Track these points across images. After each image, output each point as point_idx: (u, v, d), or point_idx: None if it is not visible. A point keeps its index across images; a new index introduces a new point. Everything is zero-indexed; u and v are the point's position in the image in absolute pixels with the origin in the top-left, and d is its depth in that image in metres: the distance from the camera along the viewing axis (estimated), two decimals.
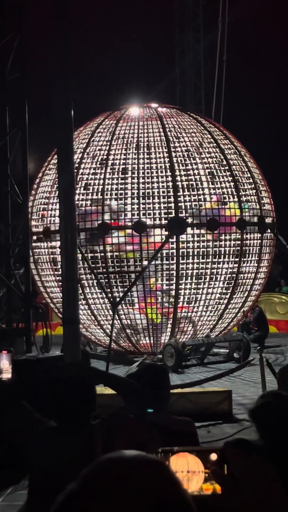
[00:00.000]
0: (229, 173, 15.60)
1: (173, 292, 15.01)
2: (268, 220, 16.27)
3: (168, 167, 15.22)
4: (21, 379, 5.00)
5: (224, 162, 15.67)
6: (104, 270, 14.96)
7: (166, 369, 4.71)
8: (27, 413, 3.40)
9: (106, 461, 1.04)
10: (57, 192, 12.93)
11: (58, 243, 13.31)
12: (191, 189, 15.20)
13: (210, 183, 15.45)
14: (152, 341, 15.42)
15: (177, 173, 15.22)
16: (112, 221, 14.90)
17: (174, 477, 1.05)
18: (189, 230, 14.98)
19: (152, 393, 4.07)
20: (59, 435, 3.28)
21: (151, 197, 15.07)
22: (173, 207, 14.91)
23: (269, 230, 16.24)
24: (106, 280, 14.94)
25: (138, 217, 14.86)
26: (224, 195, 15.39)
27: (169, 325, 15.19)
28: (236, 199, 15.45)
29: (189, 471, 1.34)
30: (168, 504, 0.99)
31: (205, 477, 1.33)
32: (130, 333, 15.39)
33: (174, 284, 14.93)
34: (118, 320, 15.03)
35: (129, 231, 14.91)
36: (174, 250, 14.93)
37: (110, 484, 0.99)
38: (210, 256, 15.20)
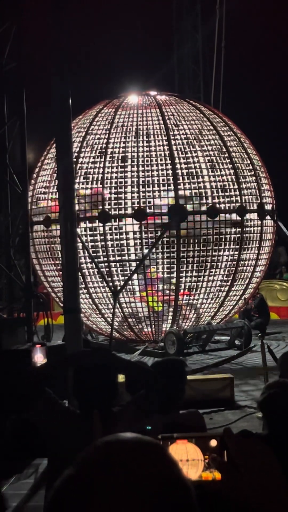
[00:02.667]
0: (229, 160, 15.54)
1: (174, 280, 14.99)
2: (268, 206, 16.22)
3: (167, 155, 15.15)
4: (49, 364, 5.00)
5: (224, 150, 15.60)
6: (105, 258, 14.94)
7: (184, 362, 4.70)
8: (51, 401, 3.42)
9: (103, 445, 1.03)
10: (57, 181, 12.88)
11: (58, 232, 13.27)
12: (191, 177, 15.15)
13: (210, 170, 15.40)
14: (153, 329, 15.41)
15: (177, 161, 15.17)
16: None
17: (173, 459, 1.04)
18: (189, 217, 14.94)
19: (172, 387, 4.06)
20: (81, 422, 3.28)
21: (151, 186, 15.02)
22: (173, 195, 14.87)
23: (269, 217, 16.20)
24: (107, 269, 14.92)
25: (138, 205, 14.83)
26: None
27: (170, 313, 15.18)
28: (236, 186, 15.42)
29: (188, 459, 1.33)
30: (167, 487, 0.98)
31: (205, 465, 1.33)
32: (132, 322, 15.38)
33: (175, 272, 14.91)
34: (119, 309, 15.03)
35: None
36: (175, 238, 14.90)
37: (107, 467, 0.98)
38: (211, 244, 15.17)
